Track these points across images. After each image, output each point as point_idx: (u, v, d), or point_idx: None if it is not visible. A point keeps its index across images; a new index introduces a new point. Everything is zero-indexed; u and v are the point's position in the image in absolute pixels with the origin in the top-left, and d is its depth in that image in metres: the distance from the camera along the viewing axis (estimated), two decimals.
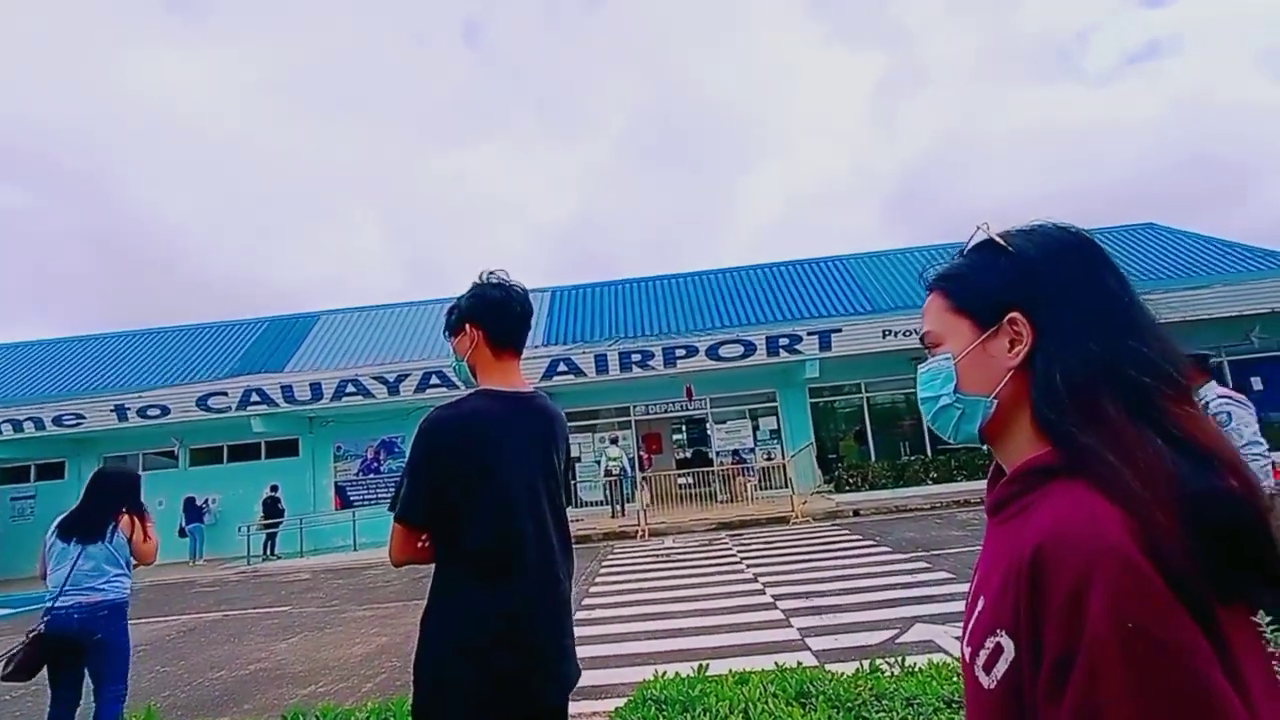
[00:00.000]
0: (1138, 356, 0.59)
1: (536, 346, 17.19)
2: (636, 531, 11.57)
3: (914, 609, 5.34)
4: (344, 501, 15.73)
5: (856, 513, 11.70)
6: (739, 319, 17.27)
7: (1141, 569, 0.49)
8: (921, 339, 0.75)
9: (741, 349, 13.10)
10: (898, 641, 4.67)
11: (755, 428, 15.22)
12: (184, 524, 14.84)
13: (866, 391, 15.22)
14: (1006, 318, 0.65)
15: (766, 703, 2.15)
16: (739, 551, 9.29)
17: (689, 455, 16.39)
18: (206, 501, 15.54)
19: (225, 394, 14.23)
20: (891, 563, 7.45)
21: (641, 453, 15.68)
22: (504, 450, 1.49)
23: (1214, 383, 3.39)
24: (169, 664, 6.03)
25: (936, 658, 3.38)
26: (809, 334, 12.96)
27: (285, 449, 16.05)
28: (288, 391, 14.06)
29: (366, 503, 15.54)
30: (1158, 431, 0.55)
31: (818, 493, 13.90)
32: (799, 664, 3.63)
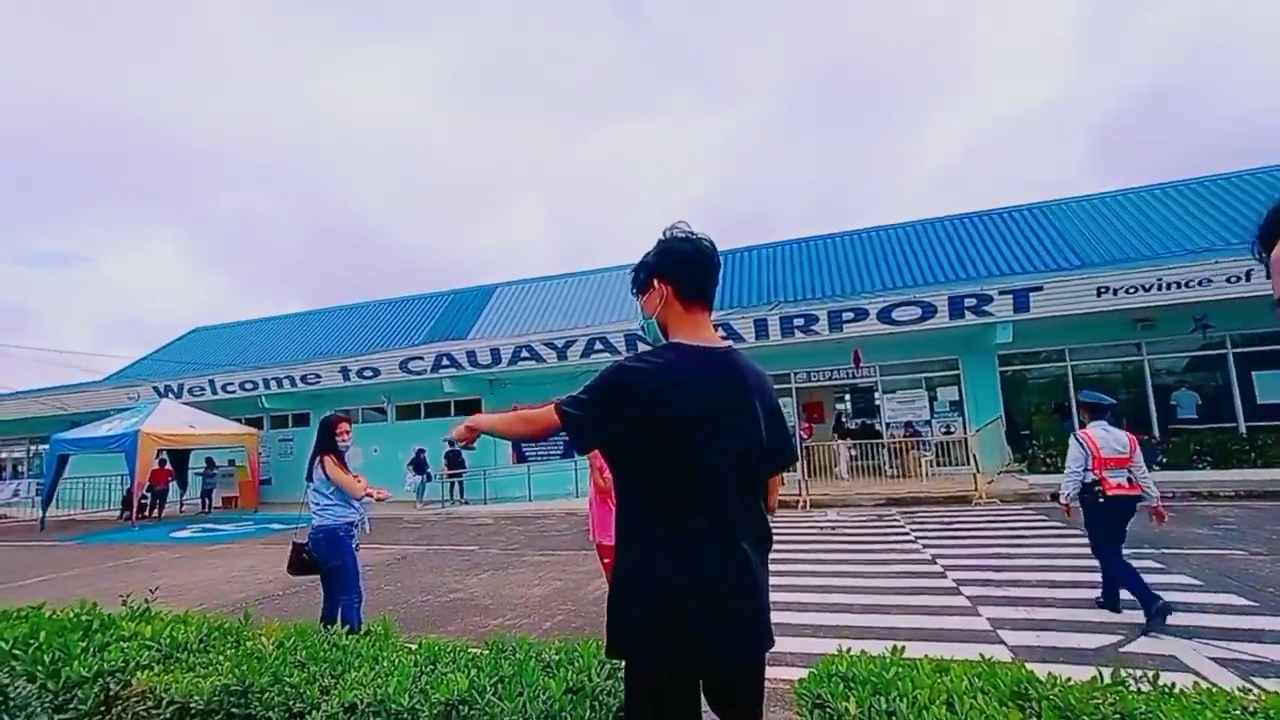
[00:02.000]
0: None
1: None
2: (797, 502, 11.24)
3: (1139, 614, 4.49)
4: (520, 456, 17.25)
5: (1055, 496, 10.21)
6: (915, 279, 15.74)
7: None
8: None
9: (919, 311, 11.90)
10: (1122, 651, 3.97)
11: (933, 398, 13.87)
12: (413, 472, 16.78)
13: (1071, 359, 13.09)
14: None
15: (975, 698, 1.87)
16: (913, 530, 8.60)
17: (854, 426, 15.48)
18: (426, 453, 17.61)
19: (421, 358, 16.19)
20: None
21: (802, 422, 15.12)
22: (689, 405, 1.42)
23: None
24: (390, 584, 7.07)
25: (1183, 678, 2.78)
26: (1001, 293, 11.36)
27: (471, 408, 17.91)
28: (471, 356, 15.61)
29: (539, 458, 16.89)
30: None
31: (1006, 472, 12.37)
32: (992, 658, 3.23)
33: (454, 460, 16.50)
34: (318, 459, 4.25)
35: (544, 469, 16.21)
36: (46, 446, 17.56)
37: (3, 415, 21.26)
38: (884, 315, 12.17)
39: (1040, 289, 11.32)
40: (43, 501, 16.35)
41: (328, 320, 24.83)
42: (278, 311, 29.44)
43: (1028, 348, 12.93)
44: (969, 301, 11.45)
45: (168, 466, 17.59)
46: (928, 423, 13.88)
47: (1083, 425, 5.15)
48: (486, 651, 2.78)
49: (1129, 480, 4.85)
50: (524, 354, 15.11)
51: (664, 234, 1.58)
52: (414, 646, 2.99)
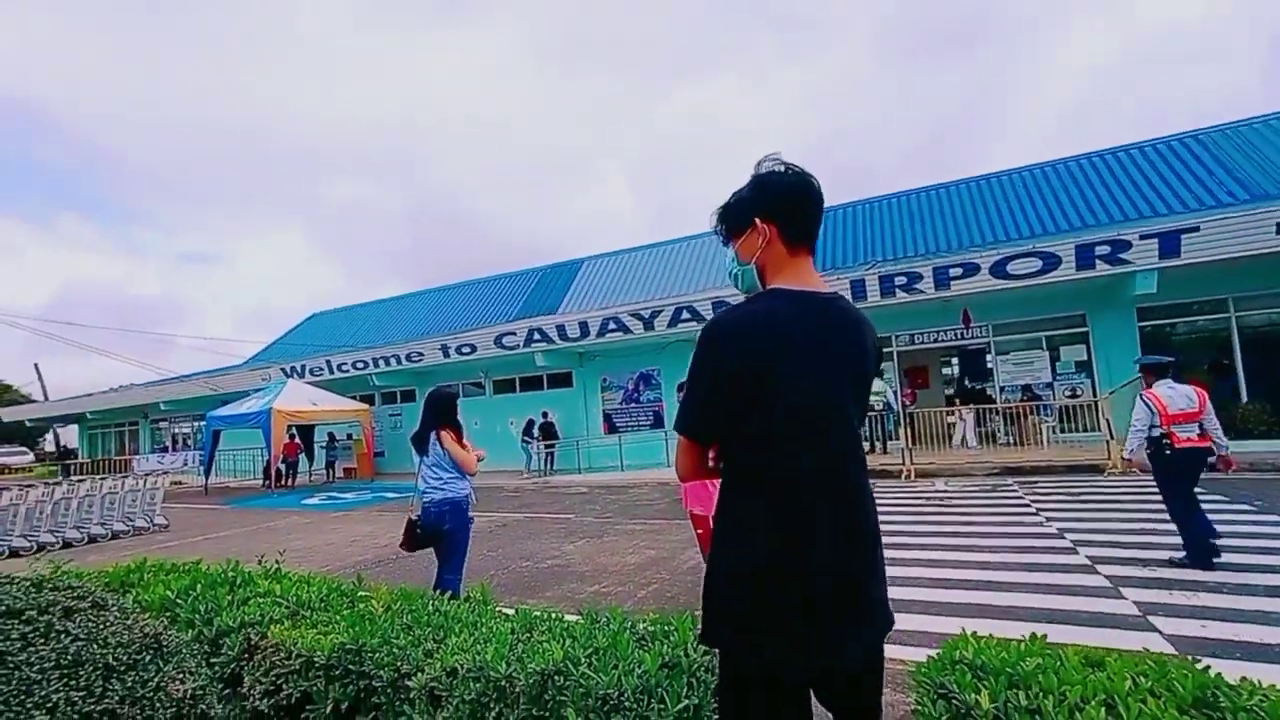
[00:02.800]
0: None
1: None
2: (900, 471, 10.63)
3: None
4: (610, 427, 17.54)
5: (1212, 467, 8.97)
6: (1034, 228, 14.23)
7: None
8: None
9: (1039, 263, 10.70)
10: None
11: (1055, 359, 12.55)
12: (522, 442, 17.32)
13: (1236, 310, 11.31)
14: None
15: (1143, 702, 1.58)
16: (1034, 502, 7.87)
17: (963, 390, 14.38)
18: (532, 423, 17.88)
19: (514, 333, 16.71)
20: None
21: (905, 388, 14.23)
22: (795, 357, 1.23)
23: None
24: (491, 550, 7.40)
25: None
26: (1142, 238, 9.94)
27: (561, 381, 18.38)
28: (561, 330, 15.91)
29: (629, 429, 17.09)
30: None
31: None
32: (1144, 648, 2.82)
33: (548, 431, 17.03)
34: (435, 433, 4.18)
35: (635, 439, 16.38)
36: (203, 423, 19.94)
37: (172, 395, 24.32)
38: (998, 269, 11.06)
39: (1196, 229, 9.77)
40: (204, 470, 18.68)
41: (428, 301, 26.24)
42: (384, 294, 31.48)
43: (1176, 299, 11.31)
44: (1101, 250, 10.12)
45: (297, 440, 19.43)
46: (1049, 386, 12.61)
47: (1148, 386, 5.29)
48: (581, 621, 2.78)
49: (1199, 433, 4.98)
50: (611, 326, 15.19)
51: (759, 167, 1.38)
52: (511, 613, 3.04)
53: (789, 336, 1.22)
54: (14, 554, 9.26)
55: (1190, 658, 1.91)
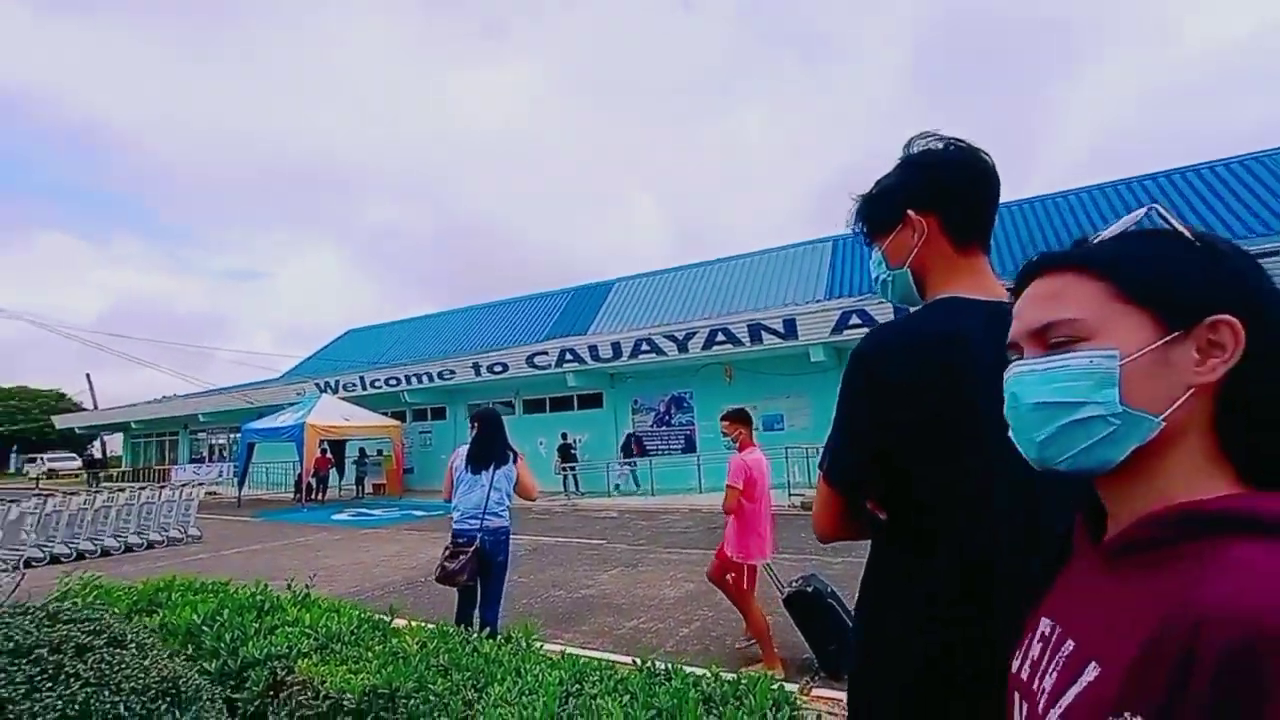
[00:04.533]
0: None
1: (818, 300, 16.24)
2: None
3: None
4: (641, 450, 17.22)
5: None
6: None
7: None
8: (1040, 330, 0.59)
9: None
10: None
11: None
12: (560, 460, 16.99)
13: None
14: (1207, 320, 0.51)
15: None
16: None
17: None
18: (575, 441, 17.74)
19: (546, 353, 16.62)
20: None
21: None
22: (986, 388, 0.94)
23: None
24: (524, 577, 7.14)
25: None
26: None
27: (592, 402, 18.19)
28: (593, 350, 15.76)
29: (660, 452, 16.76)
30: None
31: None
32: None
33: (565, 453, 16.79)
34: (512, 456, 3.87)
35: (664, 463, 16.04)
36: (238, 435, 20.24)
37: (210, 407, 24.86)
38: None
39: None
40: (238, 482, 18.89)
41: (460, 320, 26.48)
42: (416, 313, 31.89)
43: None
44: None
45: (328, 455, 19.56)
46: None
47: None
48: (635, 672, 2.52)
49: None
50: (644, 347, 14.99)
51: (910, 147, 1.09)
52: (556, 657, 2.78)
53: (976, 361, 0.89)
54: (55, 560, 9.33)
55: None
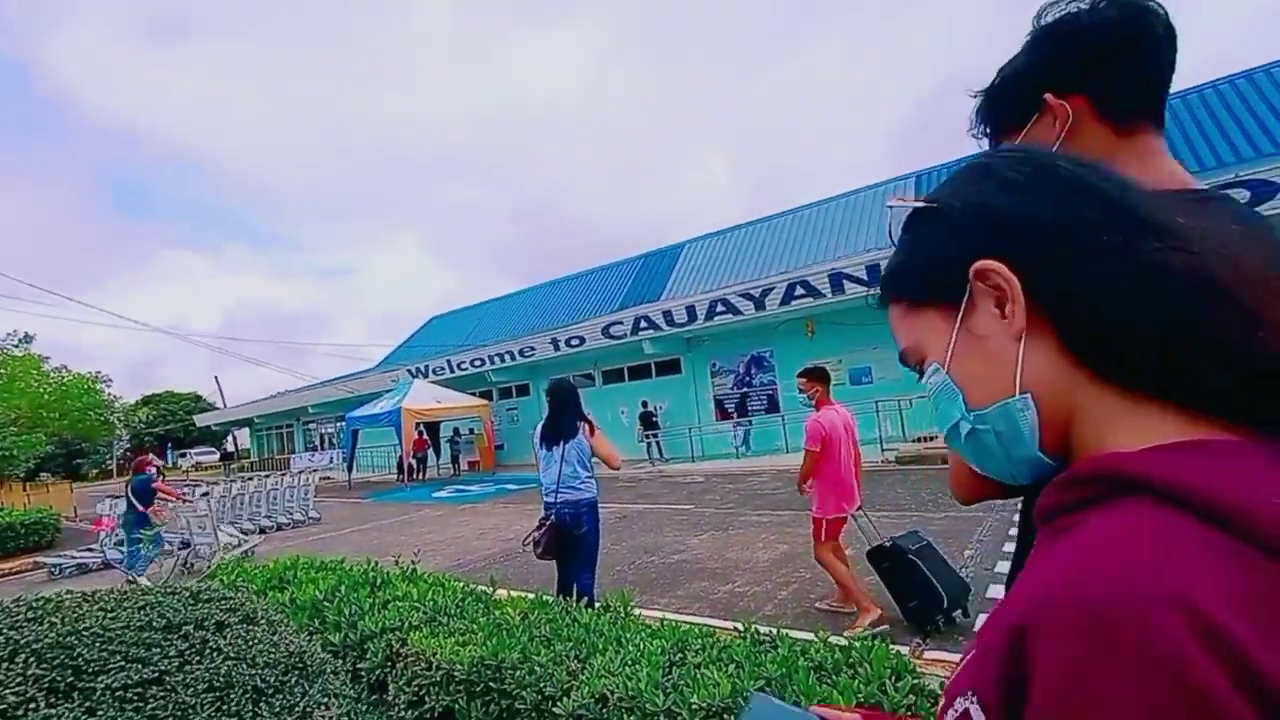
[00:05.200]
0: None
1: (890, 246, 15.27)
2: None
3: None
4: (722, 413, 17.07)
5: None
6: (1224, 156, 12.01)
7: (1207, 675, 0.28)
8: (907, 363, 0.56)
9: (1247, 195, 8.88)
10: None
11: None
12: (643, 428, 17.19)
13: None
14: (971, 277, 0.46)
15: None
16: None
17: None
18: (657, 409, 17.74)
19: (621, 322, 16.65)
20: None
21: None
22: None
23: None
24: (615, 544, 7.26)
25: None
26: None
27: (670, 368, 18.14)
28: (668, 315, 15.63)
29: (744, 414, 16.55)
30: None
31: None
32: None
33: (647, 420, 16.87)
34: (581, 427, 3.85)
35: (751, 425, 15.83)
36: (344, 423, 21.83)
37: (317, 399, 26.96)
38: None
39: None
40: (347, 466, 20.45)
41: (536, 297, 27.04)
42: (495, 293, 32.88)
43: None
44: None
45: (424, 436, 20.71)
46: None
47: None
48: (739, 640, 2.44)
49: None
50: (720, 308, 14.69)
51: (1041, 17, 0.84)
52: (656, 625, 2.75)
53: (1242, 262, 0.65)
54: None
55: None
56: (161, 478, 8.20)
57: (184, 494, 9.58)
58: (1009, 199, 0.46)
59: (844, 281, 12.74)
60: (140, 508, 7.56)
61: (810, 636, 3.41)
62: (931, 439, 12.16)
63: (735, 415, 16.70)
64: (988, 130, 0.96)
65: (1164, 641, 0.29)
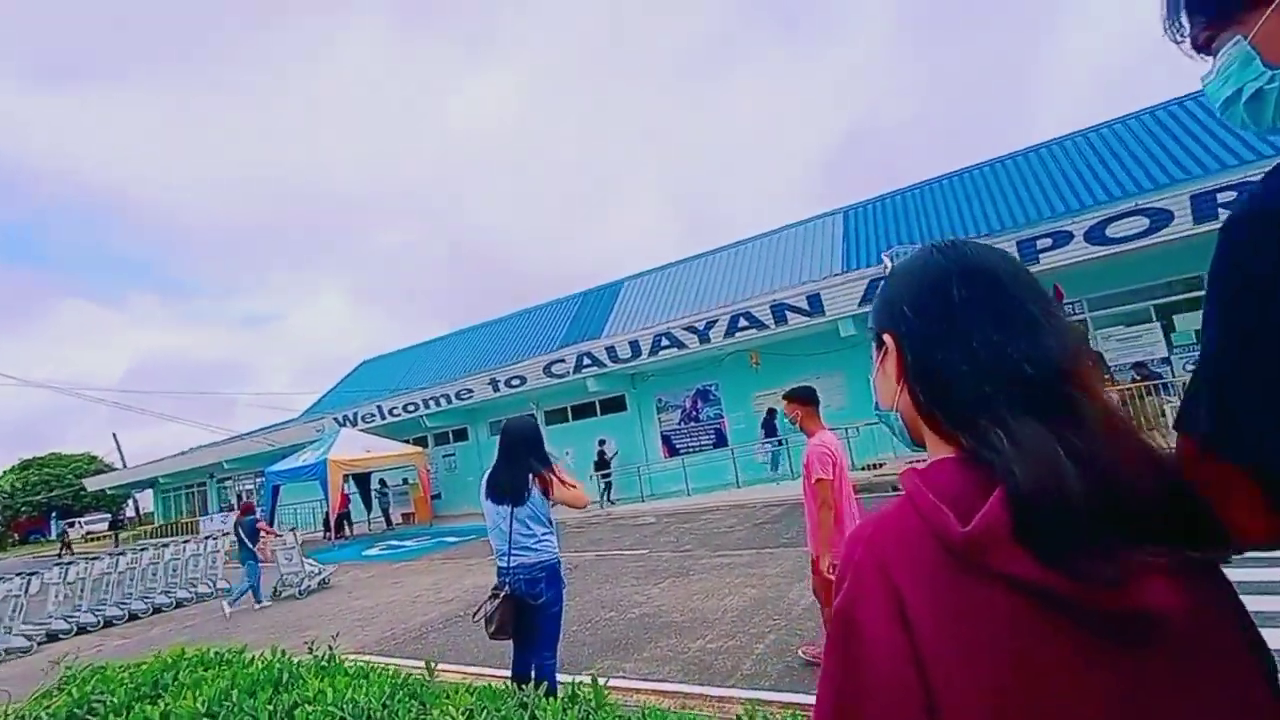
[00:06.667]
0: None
1: (837, 273, 15.57)
2: None
3: None
4: (670, 450, 16.66)
5: None
6: (1126, 187, 12.91)
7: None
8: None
9: (1146, 223, 9.46)
10: None
11: (1169, 329, 11.15)
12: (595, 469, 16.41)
13: None
14: (881, 335, 0.72)
15: None
16: None
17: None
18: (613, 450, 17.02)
19: (563, 360, 16.12)
20: None
21: None
22: None
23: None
24: (569, 599, 6.55)
25: None
26: None
27: (614, 405, 17.67)
28: (611, 352, 15.24)
29: (691, 450, 16.19)
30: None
31: None
32: None
33: (601, 461, 16.28)
34: (531, 485, 3.20)
35: (699, 461, 15.48)
36: (263, 479, 19.99)
37: (233, 454, 24.72)
38: (1095, 235, 9.84)
39: None
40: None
41: (473, 338, 26.09)
42: (430, 336, 31.56)
43: None
44: (1224, 197, 8.81)
45: (345, 491, 19.17)
46: (1165, 361, 11.19)
47: None
48: None
49: None
50: (664, 342, 14.43)
51: None
52: (635, 717, 2.24)
53: None
54: (82, 630, 8.99)
55: None
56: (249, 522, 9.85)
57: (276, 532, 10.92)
58: (895, 290, 0.71)
59: (786, 312, 12.77)
60: (250, 544, 9.35)
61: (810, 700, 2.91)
62: (879, 466, 12.15)
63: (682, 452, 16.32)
64: (1180, 30, 0.65)
65: (850, 546, 0.62)
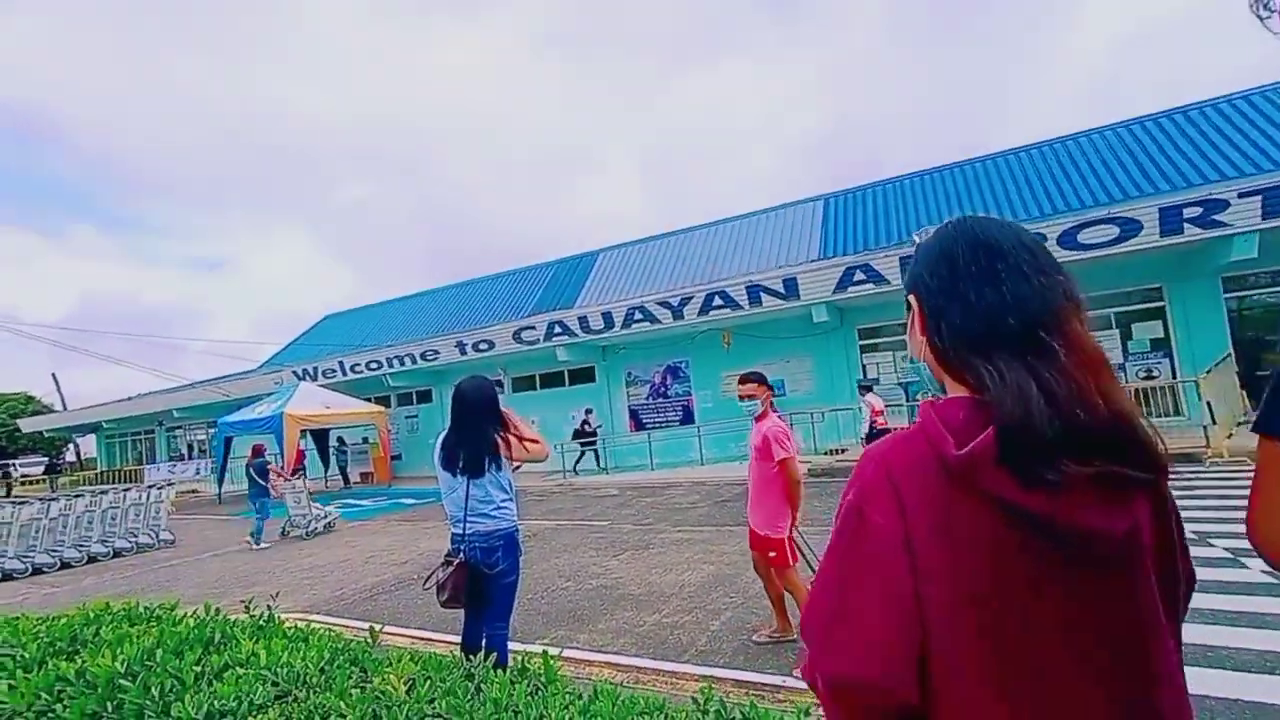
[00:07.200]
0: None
1: (813, 260, 15.60)
2: None
3: None
4: (637, 424, 16.65)
5: None
6: (1099, 196, 13.12)
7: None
8: None
9: (1115, 231, 9.63)
10: None
11: (1126, 336, 11.48)
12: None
13: None
14: (907, 297, 0.84)
15: None
16: None
17: None
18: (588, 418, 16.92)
19: (534, 327, 15.86)
20: None
21: None
22: None
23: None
24: (527, 567, 6.50)
25: None
26: (1242, 196, 8.81)
27: (584, 376, 17.53)
28: (584, 322, 15.04)
29: (658, 425, 16.20)
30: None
31: (1245, 423, 9.93)
32: None
33: (580, 432, 16.15)
34: (496, 439, 3.03)
35: (665, 436, 15.50)
36: (215, 429, 19.34)
37: (184, 403, 23.82)
38: (1067, 240, 10.00)
39: None
40: (217, 479, 18.06)
41: (443, 298, 25.49)
42: (398, 294, 30.72)
43: (1274, 266, 10.15)
44: (1191, 212, 9.03)
45: (302, 449, 18.70)
46: (1121, 368, 11.54)
47: None
48: (694, 708, 1.93)
49: None
50: (637, 316, 14.29)
51: None
52: (587, 694, 2.16)
53: None
54: (8, 577, 8.58)
55: None
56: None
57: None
58: (917, 259, 0.84)
59: (761, 294, 12.74)
60: (261, 482, 9.91)
61: (774, 680, 2.90)
62: (842, 451, 12.34)
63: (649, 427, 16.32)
64: None
65: (864, 460, 0.73)
